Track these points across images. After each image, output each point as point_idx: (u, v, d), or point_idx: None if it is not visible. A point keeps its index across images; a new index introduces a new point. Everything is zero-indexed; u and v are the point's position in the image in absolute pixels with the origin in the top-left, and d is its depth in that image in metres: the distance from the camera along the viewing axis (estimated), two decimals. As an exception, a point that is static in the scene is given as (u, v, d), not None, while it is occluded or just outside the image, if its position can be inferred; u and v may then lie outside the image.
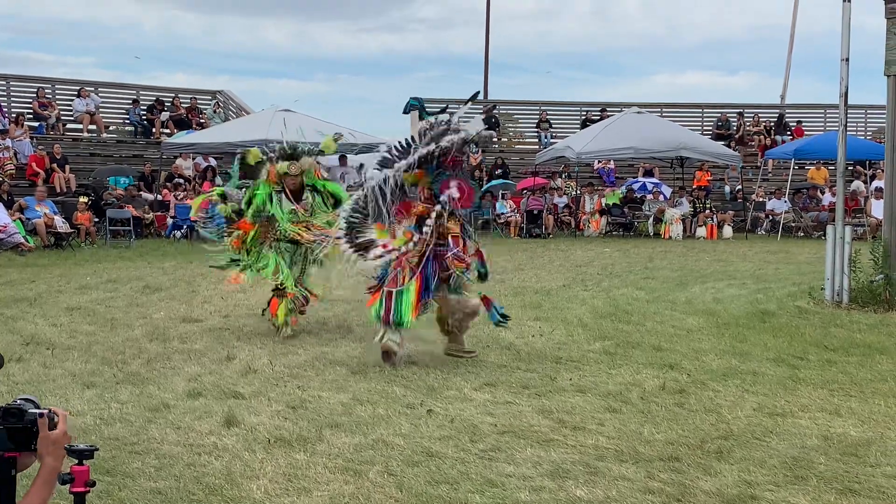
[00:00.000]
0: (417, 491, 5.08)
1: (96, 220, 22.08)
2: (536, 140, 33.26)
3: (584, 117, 33.09)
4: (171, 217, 23.41)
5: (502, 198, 25.71)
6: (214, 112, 31.21)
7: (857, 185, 27.20)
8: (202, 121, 30.21)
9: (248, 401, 6.98)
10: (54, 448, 2.61)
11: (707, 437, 6.08)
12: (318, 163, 10.32)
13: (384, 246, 8.11)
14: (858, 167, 28.15)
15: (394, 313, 8.12)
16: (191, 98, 31.39)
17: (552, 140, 31.99)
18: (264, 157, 10.00)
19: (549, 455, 5.70)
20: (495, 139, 33.65)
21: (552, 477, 5.31)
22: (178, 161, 26.48)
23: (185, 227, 22.83)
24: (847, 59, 11.98)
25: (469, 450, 5.79)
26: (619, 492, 5.09)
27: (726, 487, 5.15)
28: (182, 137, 26.79)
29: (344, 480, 5.25)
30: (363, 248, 8.18)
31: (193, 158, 26.83)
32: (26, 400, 2.66)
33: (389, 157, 8.56)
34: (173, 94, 31.34)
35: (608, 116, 29.83)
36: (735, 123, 32.88)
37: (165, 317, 10.77)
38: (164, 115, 30.13)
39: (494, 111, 32.84)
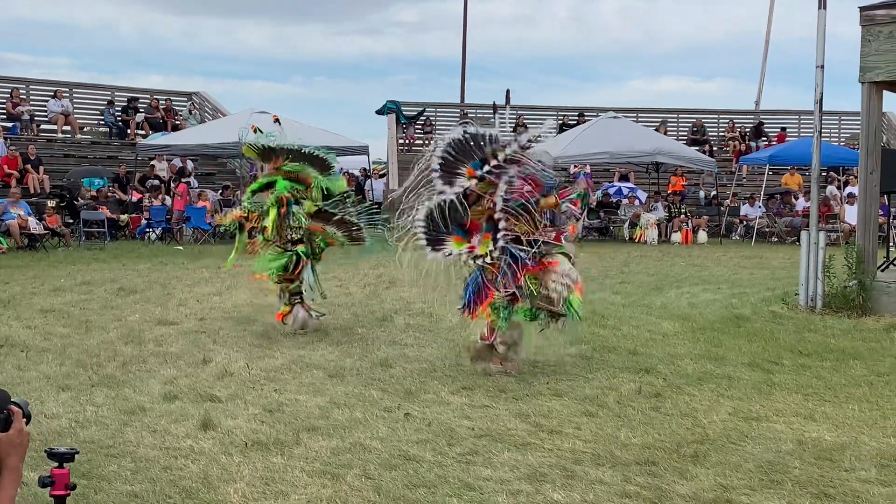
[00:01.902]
0: (395, 494, 5.08)
1: (70, 221, 21.95)
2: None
3: (560, 122, 33.21)
4: (146, 219, 23.31)
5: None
6: (190, 113, 31.11)
7: (831, 190, 27.43)
8: (177, 122, 30.11)
9: (224, 404, 6.95)
10: (13, 448, 2.57)
11: (683, 441, 6.11)
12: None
13: (471, 248, 7.98)
14: (832, 173, 28.39)
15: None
16: (166, 99, 31.28)
17: (528, 144, 32.00)
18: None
19: (526, 459, 5.71)
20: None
21: (529, 480, 5.32)
22: (154, 162, 26.37)
23: (159, 228, 22.76)
24: (822, 67, 12.08)
25: (446, 453, 5.80)
26: (595, 496, 5.10)
27: (702, 491, 5.18)
28: (157, 139, 26.69)
29: (321, 484, 5.24)
30: (437, 243, 8.08)
31: (170, 160, 26.72)
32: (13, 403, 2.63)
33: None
34: (149, 96, 31.23)
35: (585, 121, 29.94)
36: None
37: (140, 319, 10.71)
38: (140, 117, 30.02)
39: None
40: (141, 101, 30.86)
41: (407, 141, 33.27)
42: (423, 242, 8.02)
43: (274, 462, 5.59)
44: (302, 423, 6.42)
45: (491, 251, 7.84)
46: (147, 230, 22.77)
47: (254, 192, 10.34)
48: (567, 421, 6.57)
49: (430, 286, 8.18)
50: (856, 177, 25.82)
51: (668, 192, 28.39)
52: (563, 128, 31.78)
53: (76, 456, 2.69)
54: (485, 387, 7.56)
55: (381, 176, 31.28)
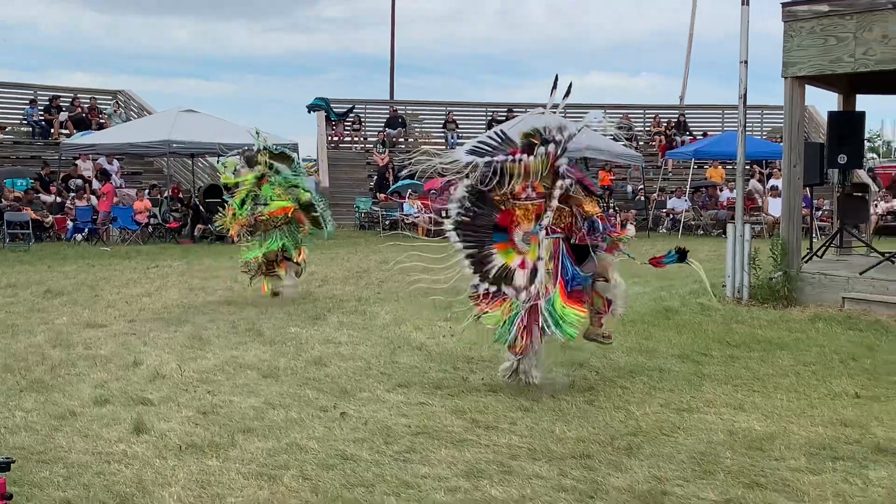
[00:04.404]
0: (333, 494, 5.07)
1: (-7, 223, 21.51)
2: (443, 140, 33.44)
3: (489, 118, 33.35)
4: (72, 220, 22.89)
5: (409, 198, 25.70)
6: (115, 112, 30.62)
7: (754, 184, 27.92)
8: (102, 121, 29.61)
9: (157, 407, 6.87)
10: None
11: (617, 434, 6.19)
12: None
13: (522, 265, 7.19)
14: (755, 166, 28.92)
15: (546, 324, 7.13)
16: (90, 98, 30.76)
17: (459, 140, 32.16)
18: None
19: (463, 455, 5.73)
20: (401, 139, 33.70)
21: (467, 477, 5.35)
22: (78, 162, 25.90)
23: (86, 230, 22.38)
24: (746, 62, 12.30)
25: (384, 452, 5.80)
26: (533, 490, 5.14)
27: (637, 483, 5.25)
28: (82, 138, 26.21)
29: (258, 486, 5.21)
30: (482, 266, 7.29)
31: (95, 159, 26.28)
32: None
33: (489, 146, 7.42)
34: (72, 95, 30.68)
35: (514, 117, 30.09)
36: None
37: (68, 322, 10.52)
38: (63, 116, 29.47)
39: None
40: (63, 99, 30.30)
41: (336, 138, 33.14)
42: (469, 269, 7.32)
43: (209, 465, 5.54)
44: (237, 425, 6.37)
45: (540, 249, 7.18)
46: (76, 233, 22.35)
47: (242, 202, 12.11)
48: (503, 416, 6.61)
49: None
50: (779, 170, 26.30)
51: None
52: (491, 124, 31.89)
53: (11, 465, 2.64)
54: (420, 384, 7.57)
55: (312, 173, 31.13)
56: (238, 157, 12.42)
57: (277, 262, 12.17)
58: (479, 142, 7.53)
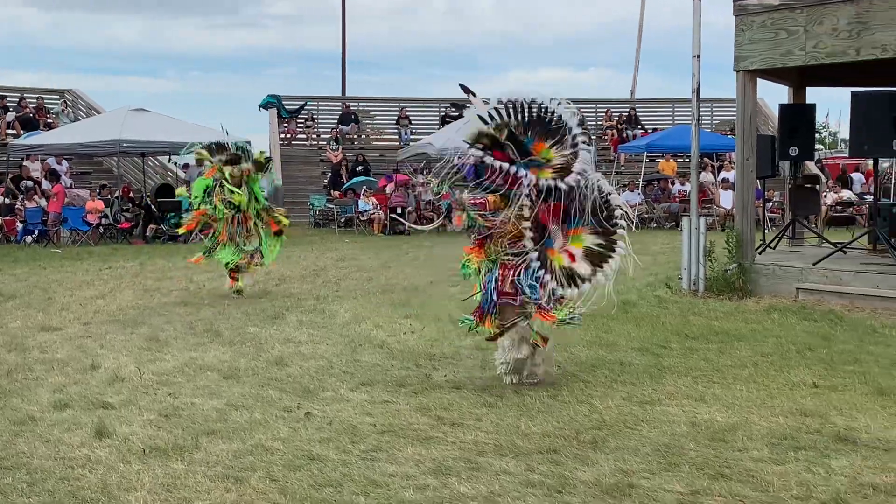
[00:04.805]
0: (301, 495, 5.05)
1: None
2: (397, 136, 33.42)
3: (443, 114, 33.36)
4: (22, 221, 22.55)
5: (364, 195, 25.65)
6: (63, 111, 30.21)
7: (706, 176, 28.19)
8: (50, 121, 29.21)
9: (118, 410, 6.79)
10: None
11: (581, 428, 6.22)
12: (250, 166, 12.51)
13: (572, 258, 7.32)
14: (706, 159, 29.21)
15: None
16: (38, 98, 30.33)
17: (412, 136, 32.19)
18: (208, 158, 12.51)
19: (430, 452, 5.73)
20: (355, 136, 33.61)
21: (435, 474, 5.35)
22: (26, 163, 25.50)
23: (36, 231, 22.06)
24: (698, 56, 12.41)
25: (350, 451, 5.78)
26: (501, 486, 5.16)
27: (604, 477, 5.28)
28: (30, 139, 25.83)
29: (225, 488, 5.17)
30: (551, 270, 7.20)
31: (43, 160, 25.90)
32: None
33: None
34: (19, 94, 30.24)
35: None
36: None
37: (22, 326, 10.36)
38: (10, 116, 29.03)
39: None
40: (10, 99, 29.84)
41: (288, 135, 32.96)
42: (543, 270, 7.19)
43: (174, 468, 5.50)
44: (200, 427, 6.32)
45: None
46: (26, 235, 22.01)
47: (204, 192, 12.22)
48: (468, 413, 6.62)
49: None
50: (730, 162, 26.61)
51: (551, 181, 28.77)
52: (445, 120, 31.92)
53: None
54: (383, 382, 7.56)
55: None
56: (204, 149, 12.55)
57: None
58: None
